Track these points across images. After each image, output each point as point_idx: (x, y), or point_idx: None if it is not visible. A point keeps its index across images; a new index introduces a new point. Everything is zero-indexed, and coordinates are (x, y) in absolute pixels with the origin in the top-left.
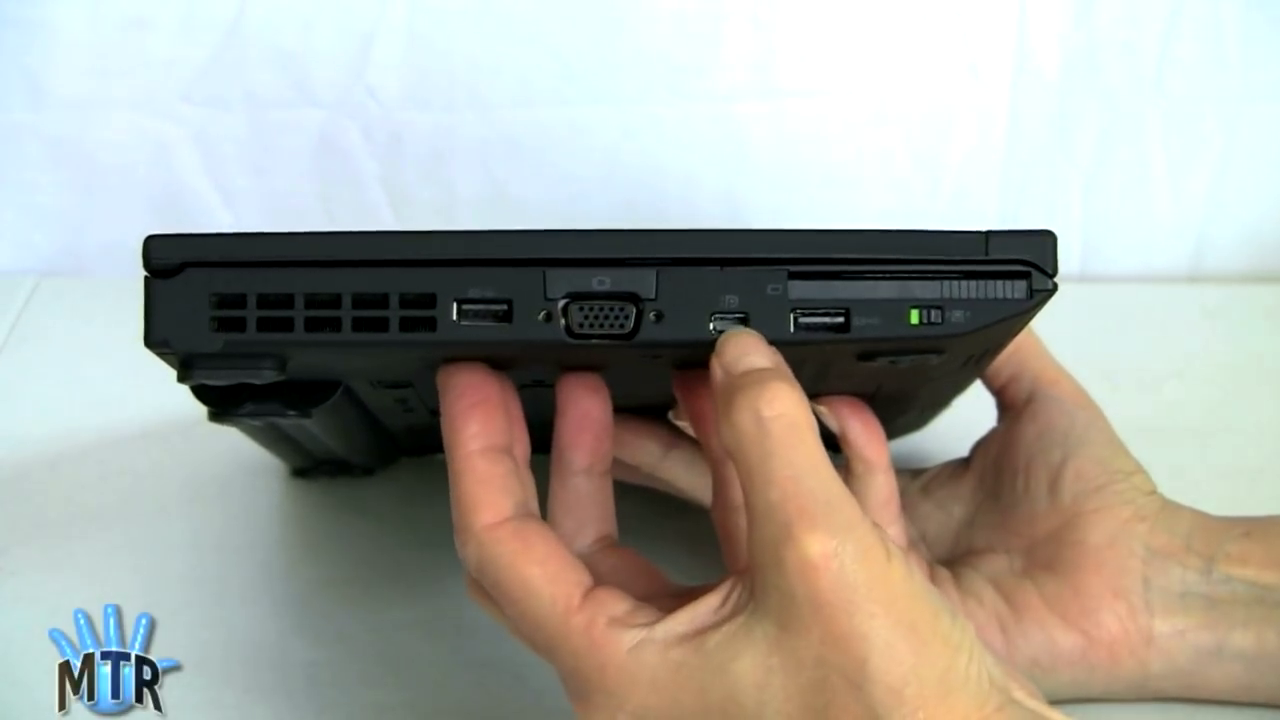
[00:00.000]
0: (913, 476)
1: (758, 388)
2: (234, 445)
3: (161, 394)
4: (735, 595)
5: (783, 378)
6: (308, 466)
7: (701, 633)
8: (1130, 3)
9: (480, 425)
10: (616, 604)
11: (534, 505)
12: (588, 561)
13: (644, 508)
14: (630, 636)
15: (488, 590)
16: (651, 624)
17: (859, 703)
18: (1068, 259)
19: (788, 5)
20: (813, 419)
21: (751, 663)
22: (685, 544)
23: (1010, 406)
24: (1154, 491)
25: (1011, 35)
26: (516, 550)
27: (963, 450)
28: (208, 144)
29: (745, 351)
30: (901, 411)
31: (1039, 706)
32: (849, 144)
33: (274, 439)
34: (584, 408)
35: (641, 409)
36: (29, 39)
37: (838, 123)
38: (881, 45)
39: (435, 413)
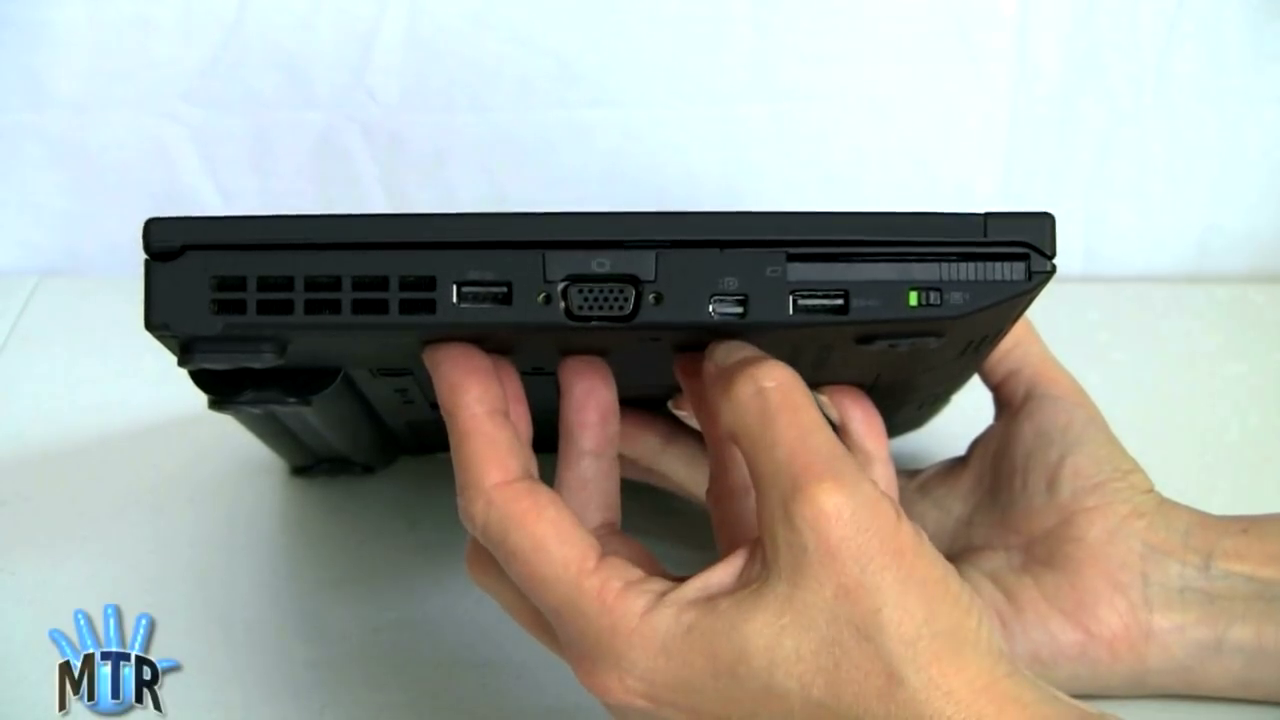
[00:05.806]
0: (909, 477)
1: (754, 365)
2: (234, 444)
3: (161, 394)
4: (748, 568)
5: (776, 360)
6: (308, 464)
7: (714, 598)
8: (1130, 3)
9: (481, 389)
10: (630, 570)
11: (537, 476)
12: None
13: (640, 503)
14: (644, 601)
15: (494, 551)
16: (665, 591)
17: (871, 657)
18: (1069, 259)
19: (788, 7)
20: (810, 393)
21: (763, 623)
22: (682, 540)
23: (1008, 403)
24: (1151, 490)
25: (1011, 35)
26: (528, 509)
27: (958, 449)
28: (208, 144)
29: (735, 348)
30: (901, 404)
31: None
32: (849, 145)
33: (274, 432)
34: (588, 385)
35: (641, 401)
36: (29, 39)
37: (838, 124)
38: (882, 46)
39: (435, 406)
